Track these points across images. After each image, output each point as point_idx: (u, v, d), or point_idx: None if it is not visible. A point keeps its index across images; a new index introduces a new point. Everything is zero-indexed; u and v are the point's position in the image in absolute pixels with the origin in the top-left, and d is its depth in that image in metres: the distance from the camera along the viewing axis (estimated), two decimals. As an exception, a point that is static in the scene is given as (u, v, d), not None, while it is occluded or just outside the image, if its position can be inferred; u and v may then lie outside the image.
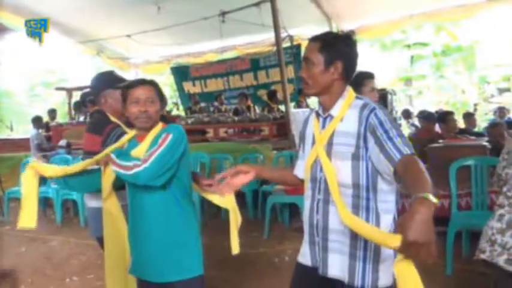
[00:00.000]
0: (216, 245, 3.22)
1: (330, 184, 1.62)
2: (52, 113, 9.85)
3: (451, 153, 4.06)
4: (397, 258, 1.20)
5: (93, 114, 2.61)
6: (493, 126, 5.27)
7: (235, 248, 2.05)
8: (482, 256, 1.83)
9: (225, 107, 9.62)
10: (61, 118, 11.46)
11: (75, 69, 17.91)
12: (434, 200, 1.19)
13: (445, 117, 5.53)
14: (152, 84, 2.02)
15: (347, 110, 1.67)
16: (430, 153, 4.20)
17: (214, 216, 5.50)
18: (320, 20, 8.40)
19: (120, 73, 2.80)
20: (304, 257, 1.80)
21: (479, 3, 7.30)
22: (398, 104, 11.53)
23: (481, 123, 9.93)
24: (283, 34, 7.15)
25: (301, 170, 1.87)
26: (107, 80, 2.56)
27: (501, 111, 9.02)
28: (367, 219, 1.61)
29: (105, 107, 2.52)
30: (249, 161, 5.74)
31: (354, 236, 1.59)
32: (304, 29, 8.70)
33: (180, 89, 11.82)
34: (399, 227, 1.17)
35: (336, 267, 1.67)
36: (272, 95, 8.54)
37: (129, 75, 10.59)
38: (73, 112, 9.74)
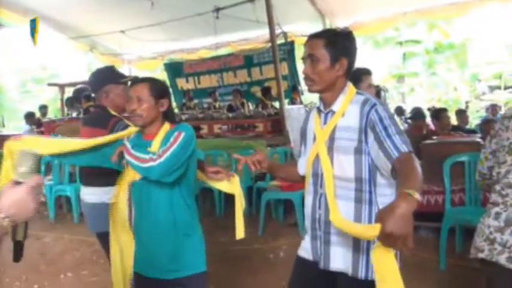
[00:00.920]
0: (211, 241, 3.21)
1: (326, 181, 1.64)
2: (43, 109, 9.79)
3: (445, 149, 4.10)
4: (376, 243, 1.26)
5: (91, 109, 2.60)
6: (486, 123, 5.33)
7: (241, 232, 2.07)
8: (481, 255, 1.81)
9: (219, 104, 9.60)
10: (53, 114, 11.35)
11: (67, 65, 17.79)
12: (418, 197, 1.23)
13: (438, 114, 5.57)
14: (144, 82, 1.97)
15: (348, 105, 1.68)
16: (424, 150, 4.23)
17: (210, 213, 5.50)
18: (314, 17, 8.42)
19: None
20: (305, 251, 1.81)
21: (471, 1, 7.32)
22: (391, 101, 11.56)
23: (473, 121, 10.01)
24: (277, 31, 7.16)
25: (302, 167, 1.88)
26: (109, 75, 2.57)
27: (493, 108, 9.15)
28: (370, 213, 1.63)
29: (106, 101, 2.51)
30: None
31: None
32: (297, 25, 8.74)
33: (173, 85, 11.73)
34: (379, 217, 1.22)
35: (339, 260, 1.69)
36: (266, 91, 8.55)
37: (122, 71, 10.46)
38: (65, 108, 9.67)
